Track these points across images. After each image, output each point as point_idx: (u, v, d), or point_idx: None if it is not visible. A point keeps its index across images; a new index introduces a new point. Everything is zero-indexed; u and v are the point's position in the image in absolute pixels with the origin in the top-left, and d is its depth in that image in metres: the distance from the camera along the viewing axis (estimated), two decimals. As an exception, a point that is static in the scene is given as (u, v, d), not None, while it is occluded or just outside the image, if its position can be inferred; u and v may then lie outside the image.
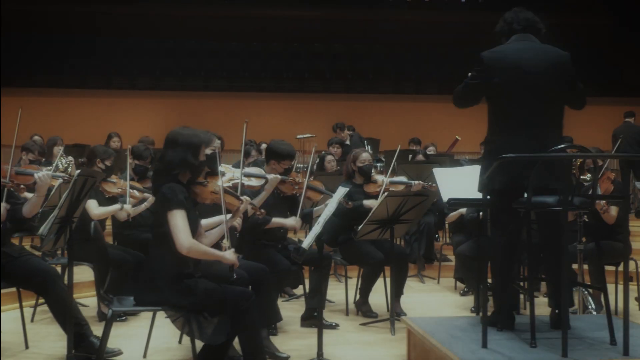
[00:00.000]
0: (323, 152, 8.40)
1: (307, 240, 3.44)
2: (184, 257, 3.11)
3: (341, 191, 3.51)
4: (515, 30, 3.50)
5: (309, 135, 10.70)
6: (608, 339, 3.21)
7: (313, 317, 4.71)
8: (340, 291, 5.70)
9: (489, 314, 3.48)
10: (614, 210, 5.16)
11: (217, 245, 3.83)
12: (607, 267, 5.59)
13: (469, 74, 3.50)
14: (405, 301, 5.73)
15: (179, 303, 3.10)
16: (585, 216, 4.51)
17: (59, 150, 6.82)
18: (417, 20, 14.07)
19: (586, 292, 4.57)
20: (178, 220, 3.04)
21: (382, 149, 11.39)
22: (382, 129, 12.70)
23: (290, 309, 5.39)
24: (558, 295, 3.41)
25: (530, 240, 3.29)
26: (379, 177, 5.41)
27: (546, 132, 3.38)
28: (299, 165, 10.66)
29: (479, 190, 3.46)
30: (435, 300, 6.02)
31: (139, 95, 13.20)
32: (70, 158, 6.69)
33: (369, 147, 8.88)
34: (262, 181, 4.09)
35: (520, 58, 3.39)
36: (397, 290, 5.18)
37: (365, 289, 5.15)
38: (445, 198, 4.02)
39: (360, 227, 4.67)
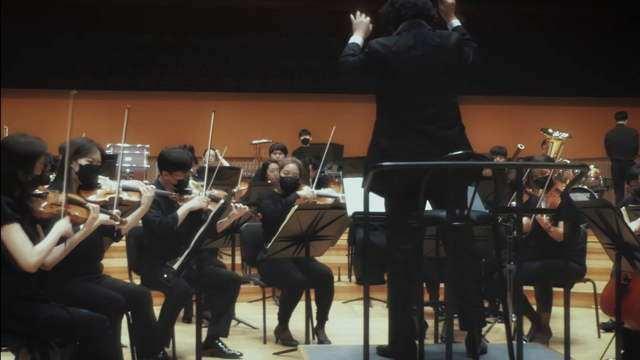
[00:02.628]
0: (267, 159, 8.44)
1: (179, 261, 3.44)
2: (23, 278, 3.10)
3: (218, 205, 3.51)
4: (404, 18, 3.52)
5: (266, 141, 10.74)
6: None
7: (215, 346, 4.72)
8: (272, 316, 5.69)
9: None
10: (562, 228, 5.16)
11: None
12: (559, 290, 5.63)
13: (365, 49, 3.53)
14: (342, 327, 5.74)
15: (18, 331, 3.09)
16: (515, 232, 4.52)
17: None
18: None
19: (514, 318, 4.56)
20: (13, 236, 3.03)
21: (348, 155, 11.42)
22: (354, 133, 12.70)
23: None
24: (465, 318, 3.44)
25: (420, 256, 3.30)
26: (305, 188, 5.45)
27: (441, 132, 3.41)
28: (247, 174, 10.70)
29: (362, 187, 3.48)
30: (377, 327, 6.01)
31: (81, 95, 13.15)
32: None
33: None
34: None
35: (407, 54, 3.44)
36: (320, 316, 5.20)
37: (284, 314, 5.15)
38: (351, 211, 4.03)
39: (269, 245, 4.69)
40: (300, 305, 5.12)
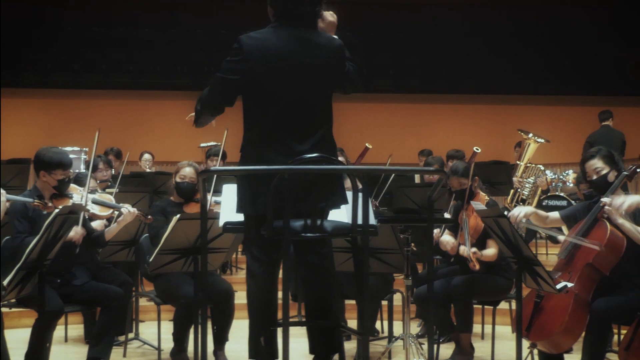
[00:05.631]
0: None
1: (10, 276, 3.41)
2: None
3: (53, 215, 3.47)
4: (284, 14, 3.44)
5: (214, 144, 10.67)
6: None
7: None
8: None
9: None
10: (493, 247, 5.08)
11: None
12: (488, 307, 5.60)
13: (225, 63, 3.43)
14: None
15: None
16: (413, 244, 4.48)
17: None
18: (371, 3, 14.12)
19: (411, 340, 4.53)
20: None
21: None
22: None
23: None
24: (317, 340, 3.41)
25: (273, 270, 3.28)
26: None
27: (312, 141, 3.35)
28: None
29: (238, 212, 3.45)
30: (303, 347, 6.00)
31: (23, 94, 13.20)
32: None
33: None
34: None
35: (285, 48, 3.35)
36: (218, 337, 5.18)
37: (178, 334, 5.12)
38: (222, 221, 3.99)
39: (151, 258, 4.67)
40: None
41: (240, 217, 3.69)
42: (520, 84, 13.57)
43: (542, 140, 9.23)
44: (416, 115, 13.41)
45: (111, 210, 5.00)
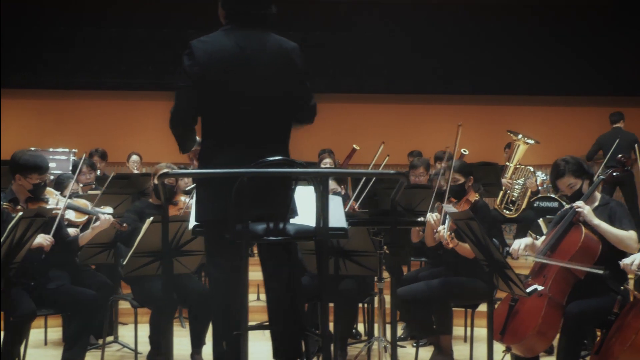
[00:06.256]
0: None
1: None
2: None
3: (15, 219, 3.48)
4: (235, 16, 3.45)
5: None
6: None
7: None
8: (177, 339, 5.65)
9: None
10: None
11: None
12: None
13: (181, 71, 3.44)
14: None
15: None
16: (386, 247, 4.49)
17: None
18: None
19: (384, 343, 4.54)
20: None
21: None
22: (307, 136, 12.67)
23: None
24: (282, 345, 3.42)
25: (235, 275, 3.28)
26: (182, 198, 5.44)
27: (266, 147, 3.35)
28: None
29: (196, 221, 3.45)
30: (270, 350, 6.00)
31: (10, 95, 13.20)
32: None
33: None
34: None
35: (236, 50, 3.34)
36: (195, 340, 5.18)
37: (155, 337, 5.14)
38: (193, 224, 4.01)
39: (125, 261, 4.68)
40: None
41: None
42: (513, 84, 13.55)
43: (532, 142, 9.23)
44: (408, 116, 13.42)
45: (87, 216, 5.01)
